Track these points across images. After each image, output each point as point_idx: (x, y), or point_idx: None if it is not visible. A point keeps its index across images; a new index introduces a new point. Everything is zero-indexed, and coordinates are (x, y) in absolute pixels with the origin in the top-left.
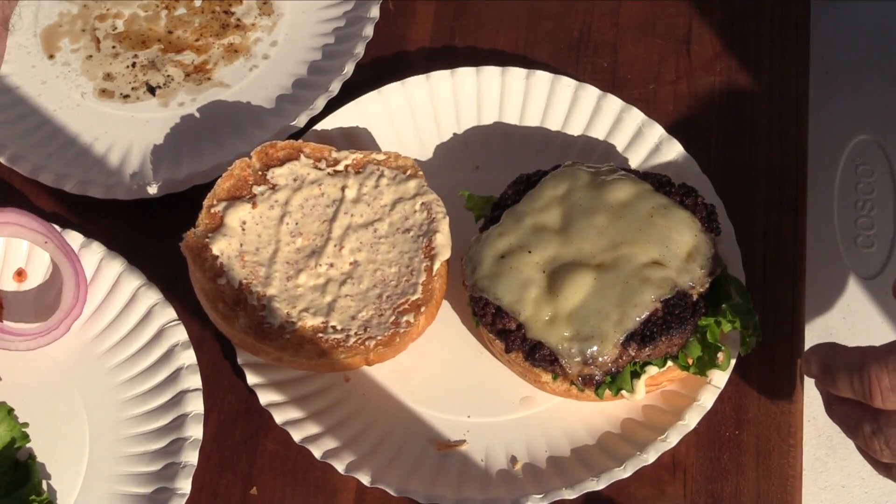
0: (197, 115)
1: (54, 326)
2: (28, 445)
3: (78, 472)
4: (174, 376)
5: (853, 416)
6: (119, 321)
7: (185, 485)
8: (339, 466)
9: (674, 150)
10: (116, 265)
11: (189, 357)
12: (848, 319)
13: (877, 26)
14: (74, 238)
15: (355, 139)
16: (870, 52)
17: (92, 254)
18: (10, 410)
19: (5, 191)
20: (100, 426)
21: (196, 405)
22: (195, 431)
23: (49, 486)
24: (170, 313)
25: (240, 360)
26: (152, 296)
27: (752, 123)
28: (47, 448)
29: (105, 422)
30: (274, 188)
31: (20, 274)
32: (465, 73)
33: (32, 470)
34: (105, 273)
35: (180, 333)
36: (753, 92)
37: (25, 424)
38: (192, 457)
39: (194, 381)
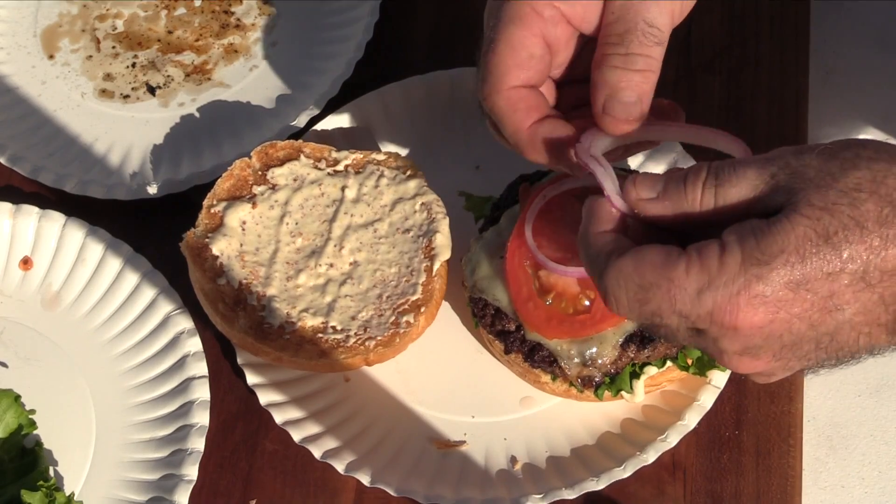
0: (197, 115)
1: None
2: (35, 432)
3: (85, 458)
4: (180, 363)
5: None
6: (125, 308)
7: (192, 471)
8: (339, 466)
9: (674, 150)
10: (122, 252)
11: (195, 344)
12: None
13: (877, 26)
14: (80, 225)
15: (355, 139)
16: (870, 52)
17: (97, 241)
18: (17, 397)
19: (5, 191)
20: (106, 413)
21: (202, 392)
22: (202, 418)
23: (56, 472)
24: (175, 300)
25: (240, 360)
26: (158, 282)
27: (752, 123)
28: (54, 435)
29: (111, 409)
30: (274, 188)
31: (26, 262)
32: (465, 73)
33: (39, 457)
34: (110, 260)
35: (186, 321)
36: (753, 92)
37: (32, 411)
38: (198, 443)
39: (200, 368)
